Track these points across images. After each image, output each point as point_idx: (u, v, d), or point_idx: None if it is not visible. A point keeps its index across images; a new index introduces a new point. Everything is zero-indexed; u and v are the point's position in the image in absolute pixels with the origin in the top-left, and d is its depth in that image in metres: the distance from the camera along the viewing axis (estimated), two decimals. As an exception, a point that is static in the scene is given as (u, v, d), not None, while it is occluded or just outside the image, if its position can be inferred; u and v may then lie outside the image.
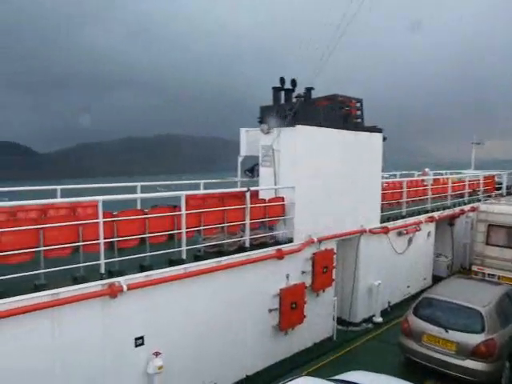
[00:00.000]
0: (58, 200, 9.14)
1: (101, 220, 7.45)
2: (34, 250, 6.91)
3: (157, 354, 7.99)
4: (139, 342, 7.92)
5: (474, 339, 9.10)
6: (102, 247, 7.47)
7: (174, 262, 8.47)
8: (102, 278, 7.42)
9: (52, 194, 9.70)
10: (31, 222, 7.13)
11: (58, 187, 9.80)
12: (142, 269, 7.98)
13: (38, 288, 6.76)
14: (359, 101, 13.15)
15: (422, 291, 12.59)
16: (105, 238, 7.53)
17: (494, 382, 9.21)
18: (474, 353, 9.01)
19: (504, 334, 9.41)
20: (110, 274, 7.58)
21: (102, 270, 7.48)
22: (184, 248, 8.60)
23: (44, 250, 6.97)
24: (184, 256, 8.62)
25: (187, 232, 8.75)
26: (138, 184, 10.77)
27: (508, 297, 10.49)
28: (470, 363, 9.04)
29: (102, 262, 7.47)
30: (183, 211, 8.62)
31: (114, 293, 7.36)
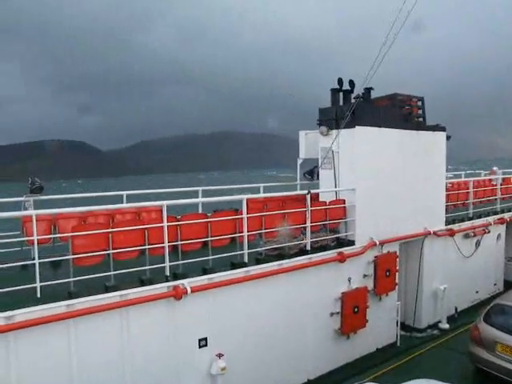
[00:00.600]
0: (125, 205, 9.50)
1: (165, 224, 7.68)
2: (104, 252, 7.25)
3: (220, 355, 8.10)
4: (203, 343, 8.08)
5: None
6: (167, 250, 7.70)
7: (235, 265, 8.59)
8: (167, 281, 7.65)
9: (118, 199, 10.12)
10: (101, 226, 7.50)
11: (124, 193, 10.20)
12: (205, 272, 8.15)
13: (108, 289, 7.08)
14: (420, 99, 12.74)
15: (493, 297, 11.99)
16: (169, 242, 7.75)
17: None
18: None
19: None
20: (175, 276, 7.81)
21: (167, 273, 7.71)
22: (246, 251, 8.69)
23: (113, 253, 7.29)
24: (246, 259, 8.70)
25: (249, 235, 8.83)
26: (200, 188, 11.01)
27: None
28: None
29: (167, 264, 7.70)
30: (245, 215, 8.71)
31: (178, 295, 7.56)
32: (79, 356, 6.76)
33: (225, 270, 8.35)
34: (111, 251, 7.25)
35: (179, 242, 8.02)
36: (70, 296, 6.74)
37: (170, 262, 7.75)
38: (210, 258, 8.28)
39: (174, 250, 8.05)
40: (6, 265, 6.95)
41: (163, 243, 7.69)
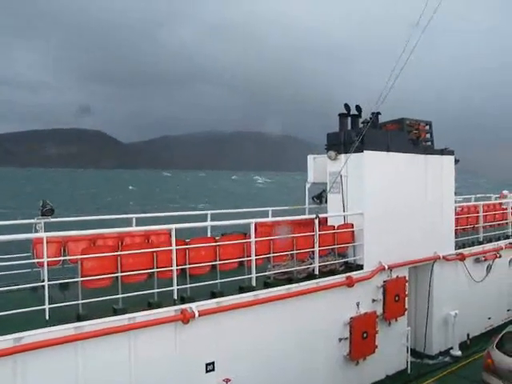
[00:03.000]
0: (134, 228, 9.58)
1: (174, 247, 7.73)
2: (112, 275, 7.29)
3: (227, 380, 8.04)
4: (210, 367, 8.02)
5: None
6: (175, 274, 7.72)
7: (244, 288, 8.57)
8: (174, 304, 7.65)
9: (127, 222, 10.21)
10: (110, 249, 7.56)
11: (134, 216, 10.28)
12: (213, 295, 8.14)
13: (116, 312, 7.09)
14: (428, 123, 12.83)
15: (506, 324, 11.76)
16: (177, 265, 7.78)
17: None
18: None
19: None
20: (182, 299, 7.80)
21: (175, 296, 7.71)
22: (254, 275, 8.68)
23: (122, 276, 7.33)
24: (254, 283, 8.68)
25: (257, 259, 8.83)
26: (209, 212, 11.07)
27: None
28: None
29: (175, 288, 7.71)
30: (253, 238, 8.73)
31: (186, 318, 7.55)
32: (86, 378, 6.74)
33: (233, 294, 8.33)
34: (120, 274, 7.29)
35: (187, 266, 8.05)
36: (79, 318, 6.77)
37: (178, 285, 7.76)
38: (218, 281, 8.29)
39: (182, 273, 8.07)
40: (16, 286, 7.01)
41: (172, 266, 7.72)
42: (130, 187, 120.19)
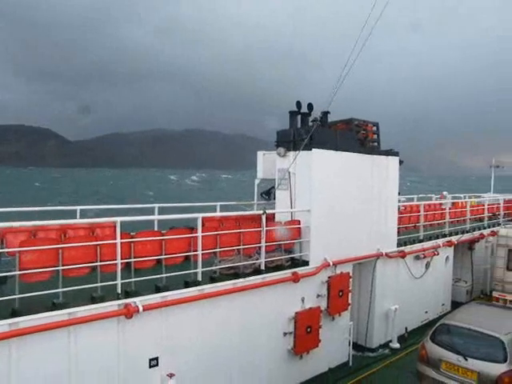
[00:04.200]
0: (77, 220, 9.31)
1: (118, 241, 7.58)
2: (53, 269, 7.06)
3: (171, 375, 7.98)
4: (153, 362, 7.94)
5: (497, 369, 8.80)
6: (119, 267, 7.58)
7: (189, 283, 8.53)
8: (118, 298, 7.51)
9: (71, 214, 9.91)
10: (51, 241, 7.31)
11: (78, 207, 10.01)
12: (158, 290, 8.06)
13: (56, 307, 6.87)
14: (375, 124, 13.21)
15: (441, 317, 12.34)
16: (122, 259, 7.65)
17: None
18: (496, 383, 8.75)
19: None
20: (127, 294, 7.67)
21: (119, 291, 7.57)
22: (200, 270, 8.66)
23: (63, 270, 7.11)
24: (200, 278, 8.67)
25: (203, 254, 8.82)
26: (156, 205, 10.93)
27: None
28: None
29: (119, 282, 7.57)
30: (199, 233, 8.71)
31: (129, 313, 7.42)
32: (21, 378, 6.48)
33: (178, 289, 8.28)
34: (61, 267, 7.07)
35: (132, 260, 7.91)
36: (14, 314, 6.50)
37: (122, 279, 7.62)
38: (164, 275, 8.22)
39: (127, 267, 7.93)
40: None
41: (116, 260, 7.57)
42: (37, 184, 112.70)
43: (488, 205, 20.83)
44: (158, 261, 8.38)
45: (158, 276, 8.14)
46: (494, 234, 18.28)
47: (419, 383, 10.18)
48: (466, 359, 9.13)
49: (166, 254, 8.37)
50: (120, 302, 7.48)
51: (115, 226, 7.65)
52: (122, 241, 7.67)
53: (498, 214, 21.29)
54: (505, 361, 8.85)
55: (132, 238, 8.07)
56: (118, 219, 7.60)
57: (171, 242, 8.51)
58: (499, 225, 19.17)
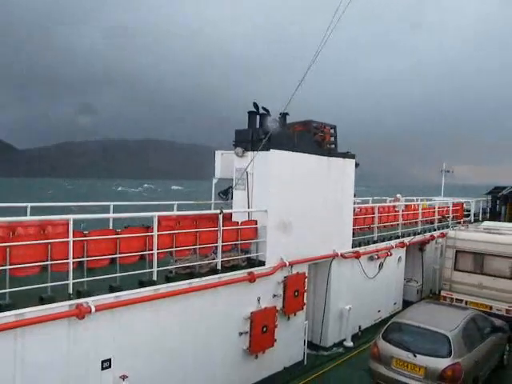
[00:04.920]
0: (28, 218, 9.00)
1: (71, 239, 7.36)
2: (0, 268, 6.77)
3: (124, 377, 7.83)
4: (106, 364, 7.75)
5: (441, 363, 9.22)
6: (71, 267, 7.36)
7: (144, 283, 8.40)
8: (69, 299, 7.30)
9: (22, 211, 9.56)
10: (-2, 239, 7.01)
11: (29, 204, 9.67)
12: (112, 289, 7.89)
13: (2, 308, 6.60)
14: (333, 127, 13.43)
15: (393, 316, 12.71)
16: (74, 258, 7.44)
17: None
18: (441, 377, 9.13)
19: (470, 358, 9.60)
20: (79, 294, 7.46)
21: (70, 291, 7.36)
22: (155, 269, 8.55)
23: (10, 269, 6.84)
24: (155, 277, 8.55)
25: (159, 253, 8.71)
26: (111, 203, 10.71)
27: (474, 321, 10.71)
28: None
29: (71, 281, 7.36)
30: (155, 232, 8.60)
31: (81, 314, 7.22)
32: None
33: (133, 288, 8.14)
34: (8, 267, 6.80)
35: (85, 259, 7.71)
36: None
37: (74, 279, 7.41)
38: (118, 275, 8.05)
39: (79, 266, 7.72)
40: None
41: (68, 259, 7.36)
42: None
43: (438, 207, 21.65)
44: (113, 260, 8.21)
45: (112, 275, 7.98)
46: (443, 235, 18.98)
47: (371, 380, 10.47)
48: (415, 355, 9.47)
49: (120, 253, 8.21)
50: (71, 302, 7.27)
51: (68, 224, 7.43)
52: (75, 239, 7.47)
53: (448, 217, 22.15)
54: (449, 355, 9.28)
55: (85, 236, 7.87)
56: (71, 217, 7.40)
57: (126, 240, 8.36)
58: (448, 227, 19.91)
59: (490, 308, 14.51)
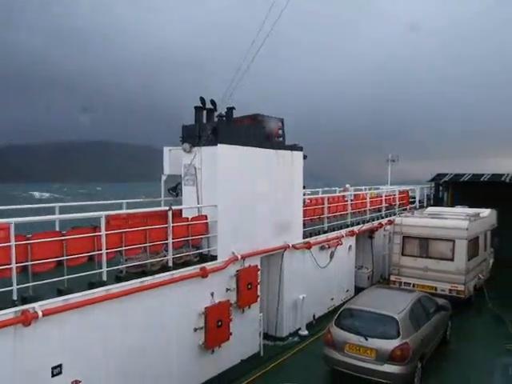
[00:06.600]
0: None
1: (13, 243, 7.09)
2: None
3: (76, 382, 7.67)
4: (57, 370, 7.53)
5: (391, 344, 9.63)
6: (15, 272, 7.09)
7: (94, 284, 8.22)
8: (14, 305, 7.03)
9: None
10: None
11: None
12: (60, 293, 7.67)
13: None
14: (281, 120, 13.58)
15: (345, 302, 13.06)
16: (17, 262, 7.17)
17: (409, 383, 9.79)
18: (390, 357, 9.53)
19: (416, 337, 10.10)
20: (24, 300, 7.19)
21: (15, 297, 7.09)
22: (105, 269, 8.38)
23: None
24: (105, 278, 8.39)
25: (108, 253, 8.54)
26: (57, 205, 10.37)
27: (420, 302, 11.24)
28: (387, 367, 9.54)
29: (15, 287, 7.09)
30: (103, 232, 8.42)
31: (27, 320, 6.98)
32: None
33: (82, 290, 7.95)
34: None
35: (29, 263, 7.45)
36: None
37: (18, 284, 7.14)
38: (66, 277, 7.83)
39: (24, 271, 7.45)
40: None
41: (10, 264, 7.08)
42: None
43: (385, 196, 22.37)
44: (60, 262, 7.97)
45: (60, 278, 7.73)
46: (390, 222, 19.64)
47: (326, 366, 10.76)
48: (367, 339, 9.82)
49: (67, 255, 7.98)
50: (16, 309, 7.00)
51: (9, 228, 7.15)
52: (17, 243, 7.19)
53: (394, 204, 22.94)
54: (398, 336, 9.71)
55: (28, 239, 7.59)
56: (13, 220, 7.12)
57: (73, 242, 8.14)
58: (395, 214, 20.63)
59: (435, 289, 15.24)
